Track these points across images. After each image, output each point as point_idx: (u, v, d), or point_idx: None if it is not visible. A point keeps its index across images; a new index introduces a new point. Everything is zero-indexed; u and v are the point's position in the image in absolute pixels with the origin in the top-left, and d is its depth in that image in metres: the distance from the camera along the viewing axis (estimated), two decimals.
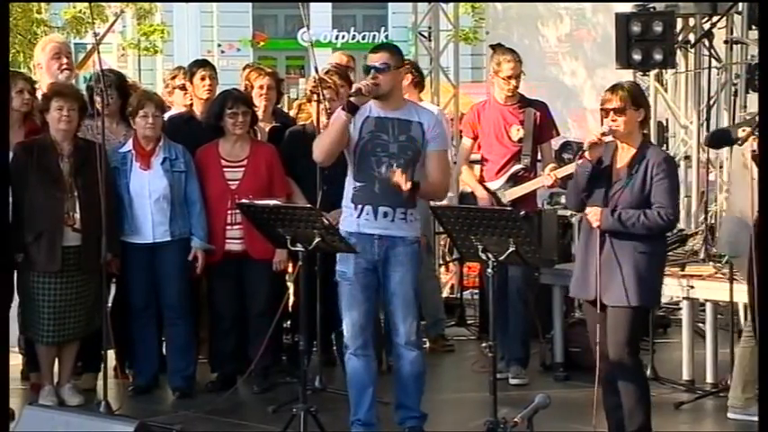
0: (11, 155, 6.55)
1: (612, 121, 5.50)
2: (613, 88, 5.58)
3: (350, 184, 5.85)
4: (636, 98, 5.56)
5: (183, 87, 7.63)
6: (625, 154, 5.56)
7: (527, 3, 11.68)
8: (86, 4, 17.80)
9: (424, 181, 5.78)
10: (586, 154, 5.53)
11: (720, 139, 7.14)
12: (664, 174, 5.48)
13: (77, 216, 6.53)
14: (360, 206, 5.81)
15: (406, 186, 5.65)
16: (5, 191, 6.36)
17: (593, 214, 5.51)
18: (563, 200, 8.24)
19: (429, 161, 5.84)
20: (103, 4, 18.99)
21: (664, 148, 9.76)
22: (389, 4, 32.01)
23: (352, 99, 5.70)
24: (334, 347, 7.40)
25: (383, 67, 5.75)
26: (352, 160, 5.83)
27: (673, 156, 9.84)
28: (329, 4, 31.30)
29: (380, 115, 5.81)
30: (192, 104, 7.59)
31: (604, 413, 5.68)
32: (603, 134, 5.50)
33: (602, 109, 5.57)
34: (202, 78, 7.44)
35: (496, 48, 7.63)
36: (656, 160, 5.50)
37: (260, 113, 7.38)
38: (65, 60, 7.25)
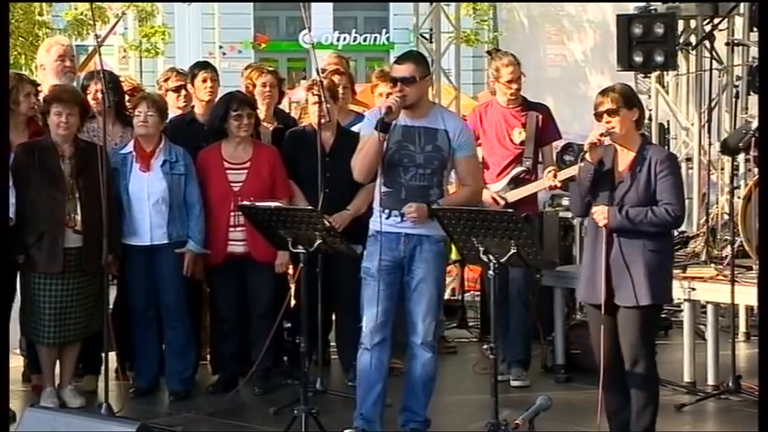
0: (12, 156, 6.57)
1: (607, 123, 5.48)
2: (604, 91, 5.57)
3: (378, 188, 5.90)
4: (628, 98, 5.54)
5: (175, 90, 7.64)
6: (625, 156, 5.55)
7: (550, 18, 11.67)
8: (87, 6, 17.79)
9: (447, 199, 5.84)
10: (587, 156, 5.51)
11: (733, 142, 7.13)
12: (667, 170, 5.48)
13: (78, 218, 6.54)
14: (387, 210, 5.87)
15: (422, 213, 5.74)
16: (6, 191, 6.35)
17: (600, 213, 5.48)
18: (564, 202, 8.24)
19: (460, 168, 5.94)
20: (105, 5, 18.98)
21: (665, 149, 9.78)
22: (391, 5, 32.01)
23: (384, 119, 5.72)
24: (332, 346, 7.41)
25: (410, 78, 5.77)
26: (381, 167, 5.87)
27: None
28: (330, 6, 31.31)
29: (407, 124, 5.85)
30: (185, 106, 7.60)
31: (606, 416, 5.67)
32: (602, 135, 5.48)
33: (595, 113, 5.54)
34: (204, 80, 7.44)
35: (493, 53, 7.64)
36: (658, 158, 5.50)
37: (262, 113, 7.38)
38: (68, 63, 7.29)
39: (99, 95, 6.77)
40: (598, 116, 5.53)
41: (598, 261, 5.52)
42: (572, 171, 7.15)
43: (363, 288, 5.90)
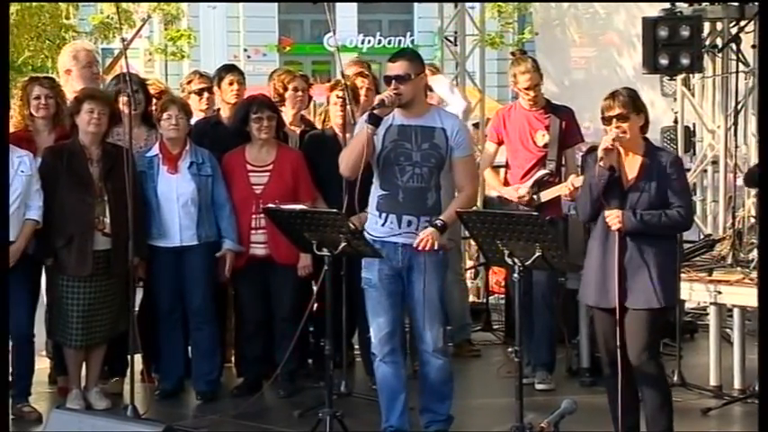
0: (39, 159, 6.60)
1: (617, 128, 5.46)
2: (613, 96, 5.53)
3: (375, 192, 5.84)
4: (636, 103, 5.54)
5: (198, 92, 7.67)
6: (633, 161, 5.53)
7: (601, 33, 11.65)
8: (114, 9, 17.87)
9: (448, 212, 5.74)
10: (601, 162, 5.48)
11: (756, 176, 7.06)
12: (677, 174, 5.53)
13: (107, 221, 6.56)
14: (384, 214, 5.80)
15: (435, 242, 5.68)
16: (6, 192, 6.36)
17: (615, 217, 5.47)
18: None
19: (456, 168, 5.84)
20: (131, 8, 19.07)
21: (690, 152, 9.73)
22: (415, 8, 32.02)
23: (375, 111, 5.68)
24: (356, 349, 7.42)
25: (404, 76, 5.73)
26: (376, 169, 5.82)
27: (700, 160, 9.83)
28: (355, 9, 31.33)
29: (403, 123, 5.79)
30: (207, 108, 7.63)
31: (612, 419, 5.65)
32: (614, 140, 5.47)
33: (603, 117, 5.52)
34: (231, 83, 7.48)
35: (517, 55, 7.64)
36: (668, 161, 5.53)
37: (290, 116, 7.40)
38: (95, 70, 7.35)
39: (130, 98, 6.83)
40: (607, 120, 5.50)
41: (610, 265, 5.50)
42: None
43: (366, 299, 5.87)
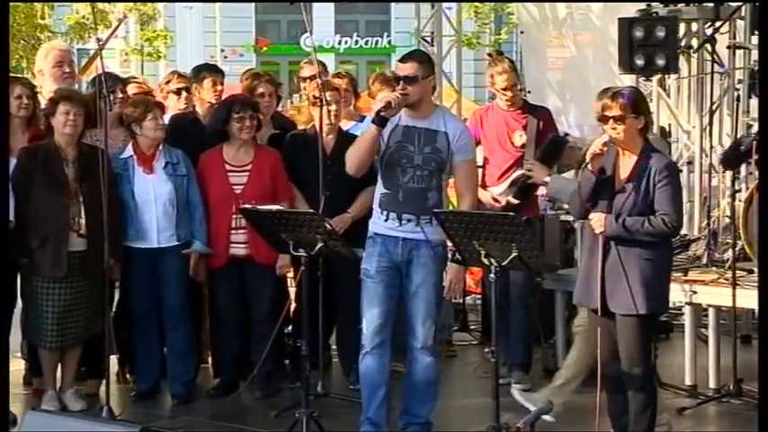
0: (14, 160, 6.57)
1: (612, 129, 5.47)
2: (613, 95, 5.50)
3: (378, 190, 5.93)
4: (636, 105, 5.50)
5: (177, 92, 7.65)
6: (627, 161, 5.53)
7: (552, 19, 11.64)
8: (89, 9, 17.83)
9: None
10: (589, 165, 5.50)
11: (733, 157, 7.15)
12: (667, 181, 5.43)
13: (82, 221, 6.54)
14: (386, 212, 5.87)
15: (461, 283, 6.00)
16: (6, 193, 6.35)
17: (597, 220, 5.48)
18: (566, 205, 8.25)
19: (457, 172, 5.92)
20: (107, 9, 19.03)
21: (666, 153, 9.78)
22: (392, 8, 32.06)
23: (381, 113, 5.72)
24: (333, 350, 7.41)
25: (413, 77, 5.77)
26: (380, 168, 5.89)
27: (675, 161, 9.87)
28: (332, 10, 31.35)
29: (408, 124, 5.85)
30: (185, 108, 7.61)
31: (609, 419, 5.67)
32: (605, 144, 5.47)
33: (601, 116, 5.53)
34: (213, 83, 7.47)
35: (494, 56, 7.66)
36: (658, 167, 5.45)
37: None
38: (67, 69, 7.28)
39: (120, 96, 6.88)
40: (603, 120, 5.51)
41: (594, 266, 5.51)
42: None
43: (363, 290, 5.91)
